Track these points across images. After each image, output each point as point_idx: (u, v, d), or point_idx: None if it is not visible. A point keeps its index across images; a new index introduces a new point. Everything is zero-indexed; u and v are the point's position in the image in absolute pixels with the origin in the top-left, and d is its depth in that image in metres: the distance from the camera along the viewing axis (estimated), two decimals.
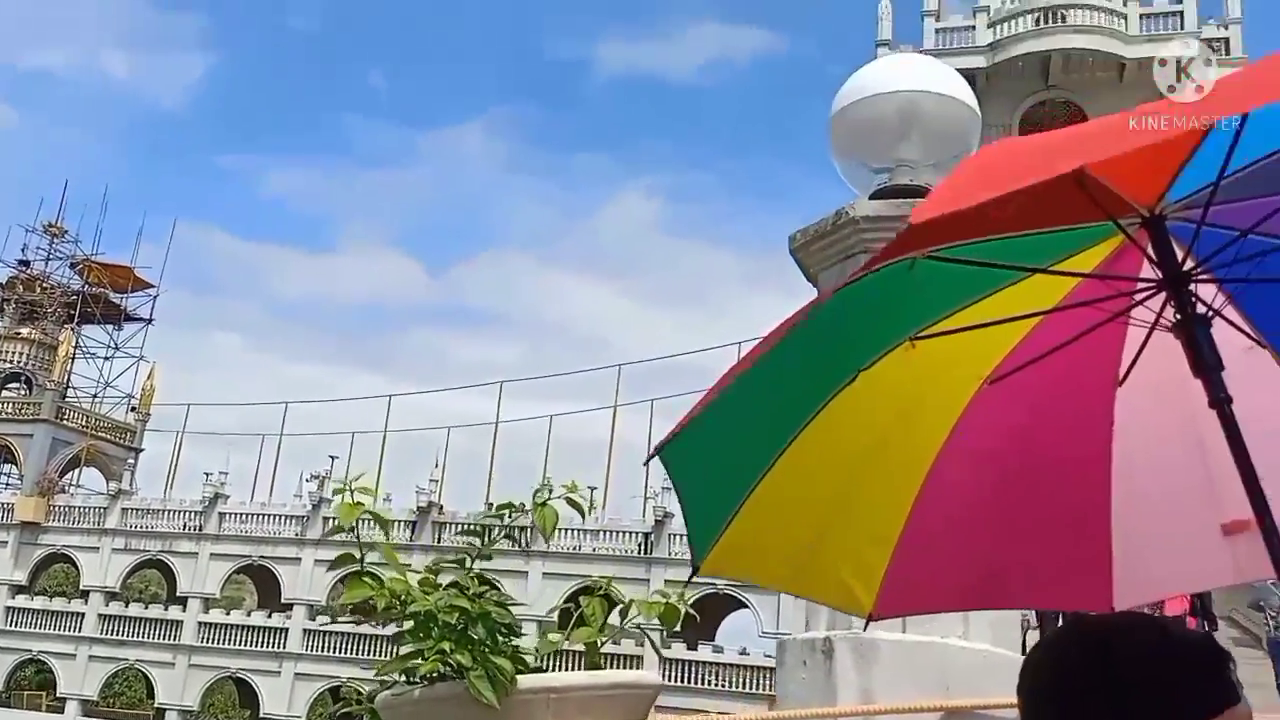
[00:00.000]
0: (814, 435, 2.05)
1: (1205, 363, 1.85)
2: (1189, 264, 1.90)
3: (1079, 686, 1.24)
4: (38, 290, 45.17)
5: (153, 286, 47.21)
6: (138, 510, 41.86)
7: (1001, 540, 2.34)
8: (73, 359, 42.88)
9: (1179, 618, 16.26)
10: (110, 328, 46.69)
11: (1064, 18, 38.11)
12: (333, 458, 40.99)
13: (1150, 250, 1.93)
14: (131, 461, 45.25)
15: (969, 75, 39.08)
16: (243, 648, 38.02)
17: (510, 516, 3.11)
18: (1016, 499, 2.32)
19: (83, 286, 45.41)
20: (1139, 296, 1.98)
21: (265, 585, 42.24)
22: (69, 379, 42.85)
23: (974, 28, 40.01)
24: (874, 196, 3.23)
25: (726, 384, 1.94)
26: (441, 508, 40.46)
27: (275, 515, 40.97)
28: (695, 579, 2.32)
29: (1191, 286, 1.91)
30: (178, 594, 40.15)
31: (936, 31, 40.47)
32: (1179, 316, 1.87)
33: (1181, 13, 38.40)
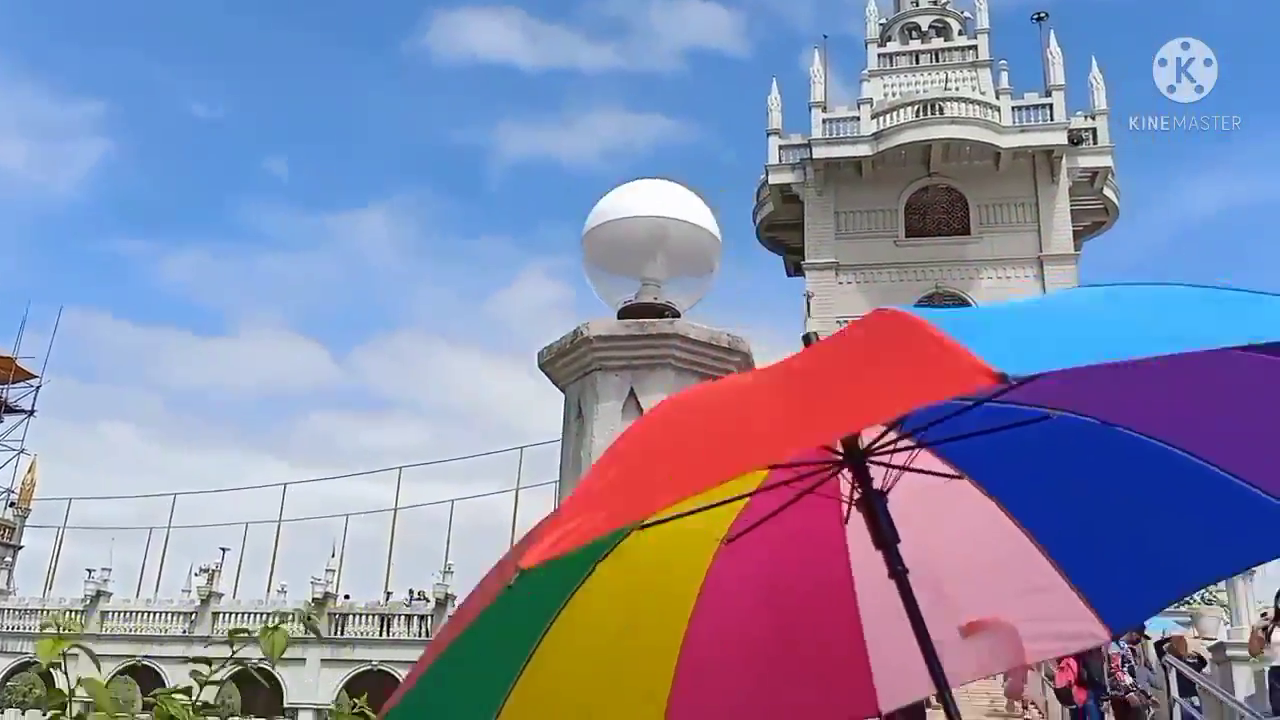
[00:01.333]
0: (562, 631, 2.13)
1: (882, 537, 2.01)
2: (880, 436, 2.09)
3: None
4: None
5: (35, 377, 45.77)
6: (15, 610, 39.96)
7: (768, 679, 2.49)
8: None
9: (1064, 688, 16.66)
10: None
11: (942, 109, 40.03)
12: (224, 549, 39.73)
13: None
14: (10, 560, 43.31)
15: (855, 162, 40.95)
16: None
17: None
18: (776, 639, 2.48)
19: None
20: (826, 475, 2.14)
21: (153, 686, 40.34)
22: None
23: (859, 118, 41.74)
24: (621, 311, 3.44)
25: (446, 643, 1.95)
26: (344, 596, 39.44)
27: (161, 612, 39.41)
28: None
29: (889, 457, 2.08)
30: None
31: (824, 122, 42.09)
32: (858, 493, 2.04)
33: (1051, 105, 40.61)
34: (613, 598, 2.28)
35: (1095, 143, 41.31)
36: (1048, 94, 41.03)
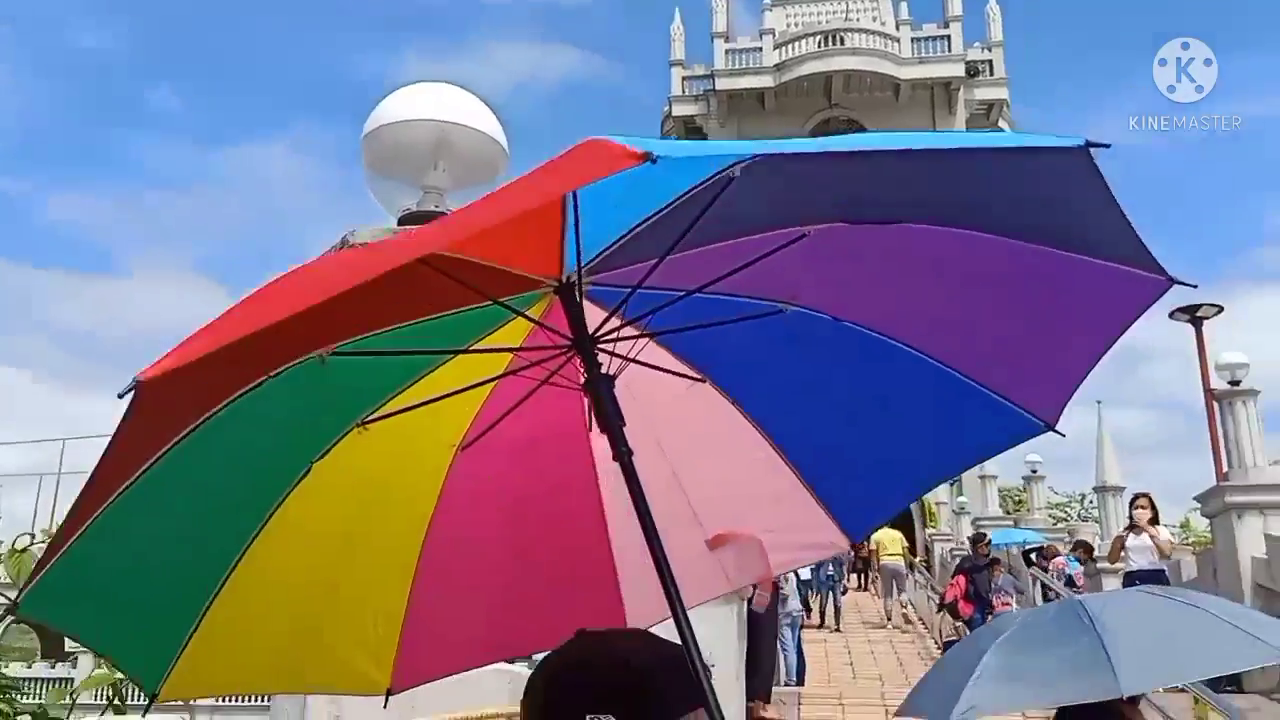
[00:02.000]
0: (277, 533, 2.00)
1: (606, 420, 1.93)
2: (607, 326, 2.01)
3: (570, 699, 1.31)
4: None
5: None
6: None
7: (514, 590, 2.41)
8: None
9: (951, 603, 17.23)
10: None
11: (843, 40, 40.04)
12: None
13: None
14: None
15: (758, 94, 40.86)
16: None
17: None
18: (520, 548, 2.39)
19: None
20: (558, 361, 2.05)
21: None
22: None
23: (761, 50, 41.54)
24: (401, 218, 3.29)
25: (105, 501, 1.70)
26: None
27: None
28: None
29: (614, 345, 2.00)
30: None
31: (726, 53, 41.81)
32: (585, 377, 1.95)
33: (949, 36, 40.90)
34: (337, 504, 2.18)
35: (991, 74, 41.82)
36: (946, 25, 41.30)
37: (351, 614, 2.28)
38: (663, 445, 2.40)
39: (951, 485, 35.24)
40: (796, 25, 42.25)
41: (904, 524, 37.46)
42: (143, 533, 1.81)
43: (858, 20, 41.42)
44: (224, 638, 2.03)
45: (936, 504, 35.32)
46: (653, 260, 1.97)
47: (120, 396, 1.40)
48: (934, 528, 33.45)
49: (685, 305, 2.08)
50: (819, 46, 40.21)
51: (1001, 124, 43.30)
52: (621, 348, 2.05)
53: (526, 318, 2.03)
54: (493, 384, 2.21)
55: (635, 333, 2.11)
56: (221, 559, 1.97)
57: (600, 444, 2.45)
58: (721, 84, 41.19)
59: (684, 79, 42.91)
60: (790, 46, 40.81)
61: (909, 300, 2.22)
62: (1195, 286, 1.96)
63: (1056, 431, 2.23)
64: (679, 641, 1.55)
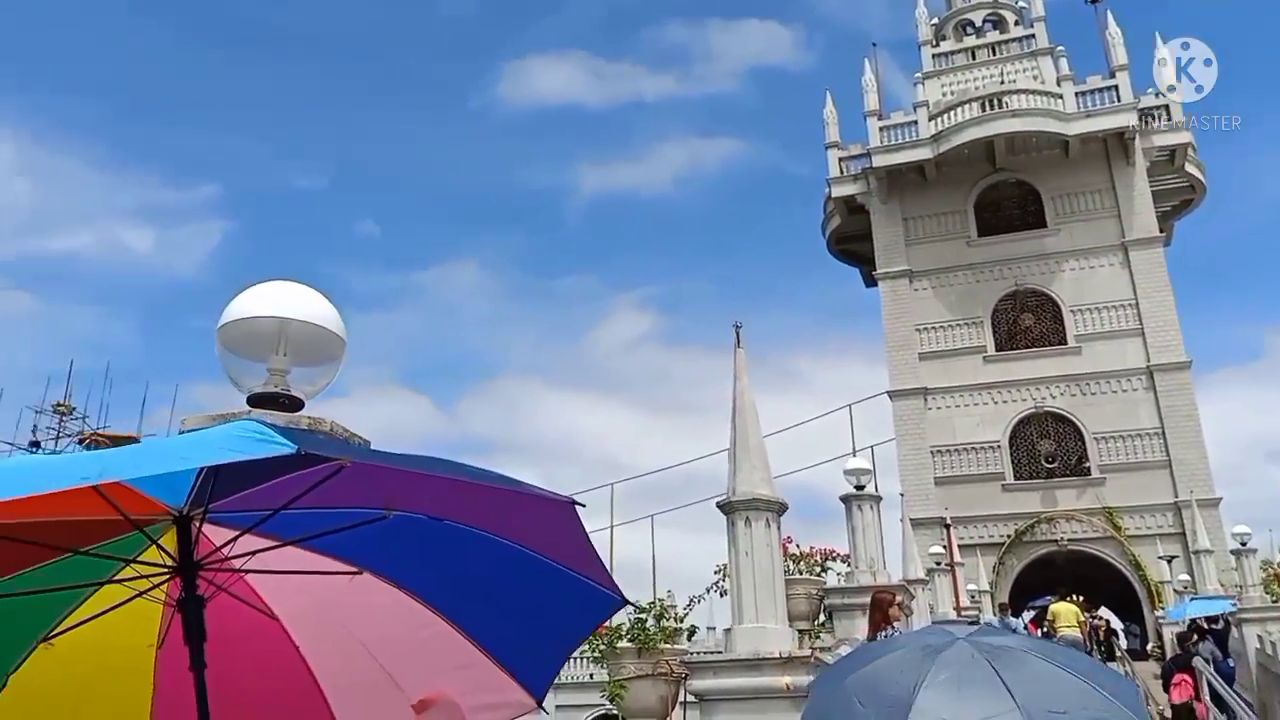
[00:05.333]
0: None
1: (189, 634, 2.39)
2: (239, 543, 2.48)
3: None
4: None
5: None
6: None
7: None
8: None
9: (1185, 703, 16.11)
10: None
11: (1003, 103, 39.13)
12: None
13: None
14: None
15: (917, 167, 40.32)
16: None
17: None
18: (257, 714, 2.81)
19: None
20: (161, 579, 2.49)
21: None
22: None
23: (916, 122, 41.10)
24: (250, 398, 3.74)
25: None
26: None
27: None
28: None
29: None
30: None
31: (880, 129, 41.59)
32: (183, 595, 2.39)
33: (1116, 86, 39.25)
34: (48, 703, 2.54)
35: (1169, 119, 39.73)
36: (1112, 75, 39.70)
37: None
38: (348, 625, 2.69)
39: (1170, 561, 32.86)
40: (951, 94, 41.68)
41: (1130, 607, 35.19)
42: None
43: (1015, 81, 40.45)
44: None
45: (1161, 582, 32.97)
46: (267, 499, 2.41)
47: None
48: (1161, 610, 31.20)
49: (302, 519, 2.41)
50: (979, 112, 39.41)
51: (1189, 168, 40.93)
52: (260, 560, 2.41)
53: (151, 540, 2.37)
54: (163, 595, 2.57)
55: (260, 545, 2.44)
56: None
57: (299, 625, 2.75)
58: (878, 160, 40.94)
59: (841, 160, 42.92)
60: (947, 116, 40.21)
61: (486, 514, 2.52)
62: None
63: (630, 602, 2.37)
64: None
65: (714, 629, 26.26)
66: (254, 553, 2.48)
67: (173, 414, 50.38)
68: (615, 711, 11.39)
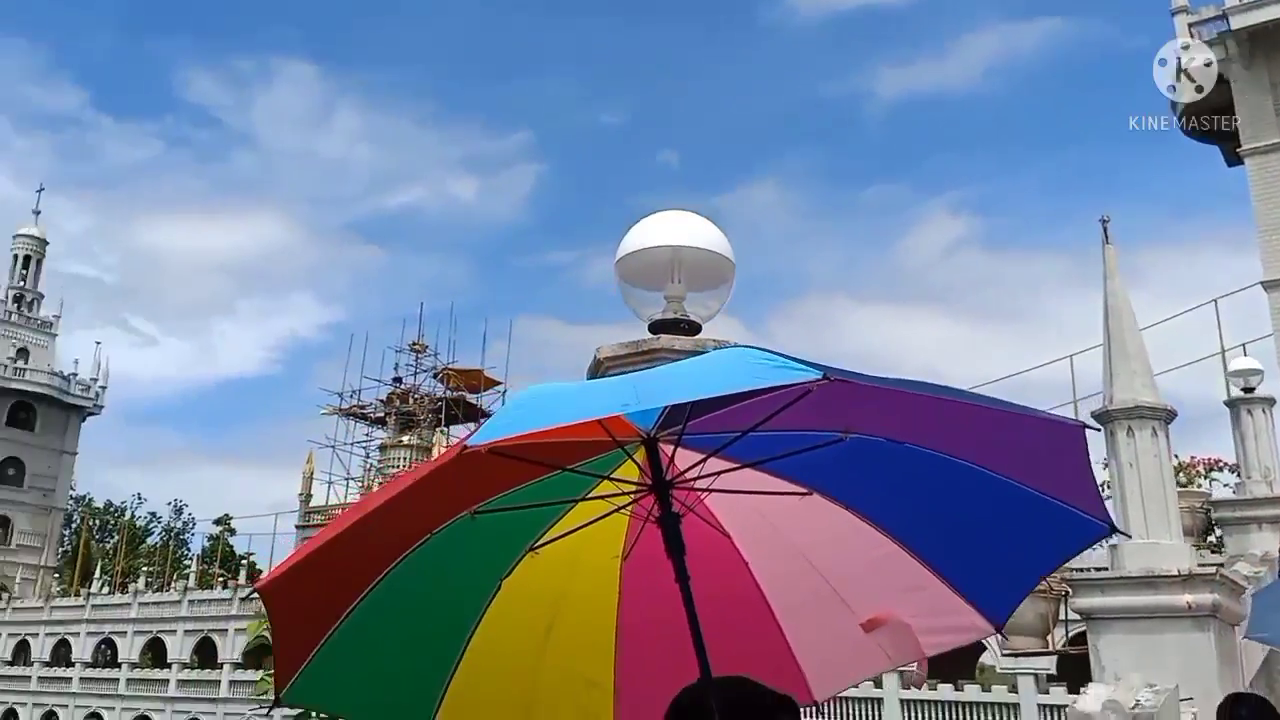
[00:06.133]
0: (487, 631, 2.67)
1: (670, 548, 2.43)
2: (702, 466, 2.52)
3: None
4: (410, 402, 51.79)
5: (501, 384, 52.48)
6: None
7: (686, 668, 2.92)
8: None
9: None
10: (472, 426, 52.29)
11: None
12: None
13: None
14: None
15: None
16: None
17: None
18: (707, 632, 2.89)
19: (445, 393, 51.34)
20: (638, 495, 2.59)
21: None
22: None
23: None
24: (651, 325, 3.84)
25: (339, 620, 2.48)
26: None
27: None
28: None
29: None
30: None
31: None
32: (661, 512, 2.46)
33: None
34: (530, 607, 2.80)
35: None
36: None
37: (563, 684, 2.89)
38: (797, 545, 2.70)
39: None
40: None
41: None
42: (384, 633, 2.54)
43: None
44: (463, 706, 2.71)
45: None
46: (731, 421, 2.44)
47: (245, 599, 2.18)
48: None
49: (760, 442, 2.43)
50: None
51: None
52: (719, 480, 2.49)
53: (630, 457, 2.52)
54: (629, 510, 2.69)
55: (722, 467, 2.49)
56: (451, 647, 2.66)
57: (750, 544, 2.79)
58: (1237, 20, 35.92)
59: (1190, 26, 38.17)
60: None
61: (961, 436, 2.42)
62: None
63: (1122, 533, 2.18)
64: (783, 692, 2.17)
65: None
66: (717, 473, 2.50)
67: (509, 348, 54.58)
68: None
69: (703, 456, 2.49)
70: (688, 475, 2.50)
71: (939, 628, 2.76)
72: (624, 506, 2.56)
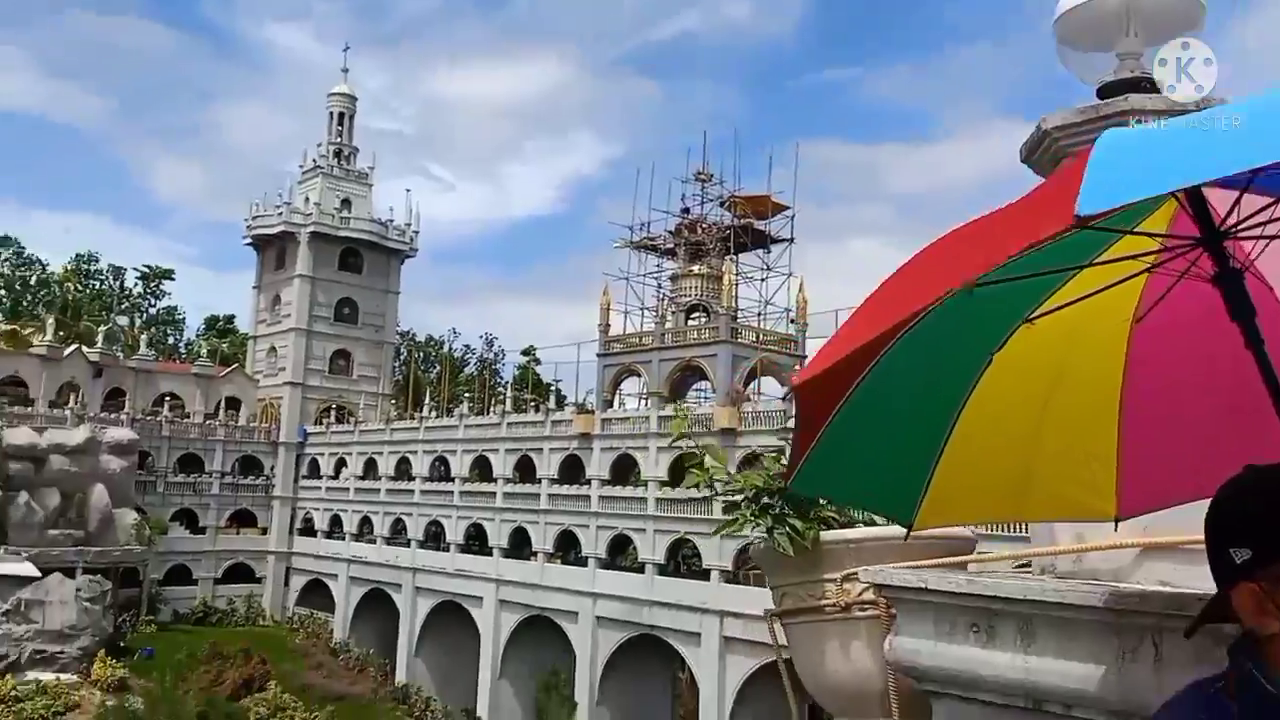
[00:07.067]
0: (978, 404, 2.60)
1: (1234, 311, 2.13)
2: (1233, 220, 2.15)
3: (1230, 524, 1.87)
4: (699, 231, 52.36)
5: (788, 208, 51.88)
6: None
7: (1210, 430, 2.71)
8: (736, 285, 48.73)
9: None
10: (760, 252, 52.14)
11: None
12: None
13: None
14: (798, 367, 50.42)
15: None
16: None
17: None
18: (1213, 398, 2.67)
19: (733, 220, 51.37)
20: (1179, 254, 2.28)
21: None
22: (736, 303, 48.79)
23: None
24: (1100, 90, 3.51)
25: (836, 408, 2.48)
26: None
27: None
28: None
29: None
30: None
31: None
32: (1217, 270, 2.15)
33: None
34: (1022, 379, 2.71)
35: None
36: None
37: (1061, 458, 2.81)
38: None
39: None
40: None
41: None
42: (875, 417, 2.56)
43: None
44: (952, 485, 2.72)
45: None
46: None
47: (783, 400, 2.25)
48: None
49: None
50: None
51: None
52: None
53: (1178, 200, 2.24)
54: (1144, 276, 2.48)
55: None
56: (939, 426, 2.64)
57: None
58: None
59: None
60: None
61: None
62: None
63: None
64: None
65: None
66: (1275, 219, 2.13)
67: (795, 171, 53.44)
68: None
69: (1271, 200, 2.13)
70: (1255, 221, 2.14)
71: None
72: (1157, 265, 2.32)
